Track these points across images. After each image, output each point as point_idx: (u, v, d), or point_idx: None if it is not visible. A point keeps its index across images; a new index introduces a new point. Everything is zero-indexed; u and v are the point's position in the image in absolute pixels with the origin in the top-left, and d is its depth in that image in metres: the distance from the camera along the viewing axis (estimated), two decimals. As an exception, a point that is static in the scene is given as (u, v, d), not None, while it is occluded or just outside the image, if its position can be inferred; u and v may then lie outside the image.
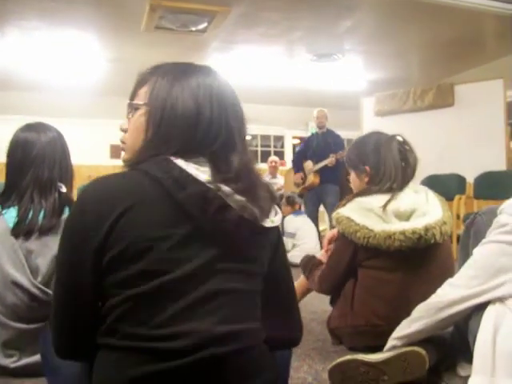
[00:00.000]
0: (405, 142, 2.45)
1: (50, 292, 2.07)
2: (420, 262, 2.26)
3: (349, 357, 1.94)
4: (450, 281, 1.80)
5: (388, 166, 2.35)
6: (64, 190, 2.19)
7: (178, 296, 1.11)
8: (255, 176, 1.27)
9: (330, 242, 2.74)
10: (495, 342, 1.55)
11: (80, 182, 8.50)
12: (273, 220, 1.21)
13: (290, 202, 6.24)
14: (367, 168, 2.44)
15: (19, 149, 2.21)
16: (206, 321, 1.10)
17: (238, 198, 1.14)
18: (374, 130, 2.57)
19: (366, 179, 2.46)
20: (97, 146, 8.84)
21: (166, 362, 1.07)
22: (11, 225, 2.10)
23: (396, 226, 2.19)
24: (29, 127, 2.28)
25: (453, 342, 1.94)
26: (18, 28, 6.18)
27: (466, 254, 1.90)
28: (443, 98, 7.37)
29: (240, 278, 1.18)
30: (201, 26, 6.23)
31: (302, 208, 6.58)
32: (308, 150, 6.84)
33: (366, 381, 1.91)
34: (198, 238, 1.12)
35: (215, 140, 1.20)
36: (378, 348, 2.01)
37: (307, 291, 2.85)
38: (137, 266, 1.10)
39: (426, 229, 2.17)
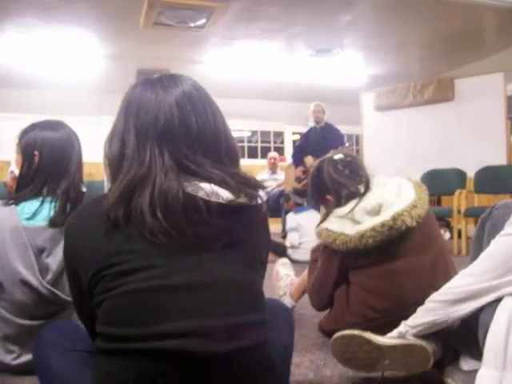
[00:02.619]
0: (346, 155, 2.61)
1: (57, 292, 2.06)
2: (402, 249, 2.29)
3: (356, 332, 1.94)
4: (465, 271, 1.79)
5: (337, 184, 2.50)
6: (85, 189, 2.21)
7: (164, 291, 1.09)
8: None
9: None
10: (509, 336, 1.54)
11: (80, 179, 8.35)
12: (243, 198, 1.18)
13: (287, 198, 6.26)
14: (328, 197, 2.56)
15: (58, 147, 2.20)
16: (196, 317, 1.08)
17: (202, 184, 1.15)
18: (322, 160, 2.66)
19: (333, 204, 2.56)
20: (95, 144, 8.69)
21: (162, 362, 1.05)
22: (24, 221, 2.08)
23: (366, 224, 2.27)
24: (57, 125, 2.27)
25: (458, 335, 1.92)
26: (16, 25, 6.16)
27: (479, 248, 1.90)
28: (443, 93, 7.35)
29: (232, 267, 1.17)
30: (199, 22, 6.21)
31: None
32: (308, 144, 6.82)
33: (366, 358, 1.92)
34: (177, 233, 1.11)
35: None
36: None
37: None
38: (115, 268, 1.10)
39: (394, 218, 2.23)
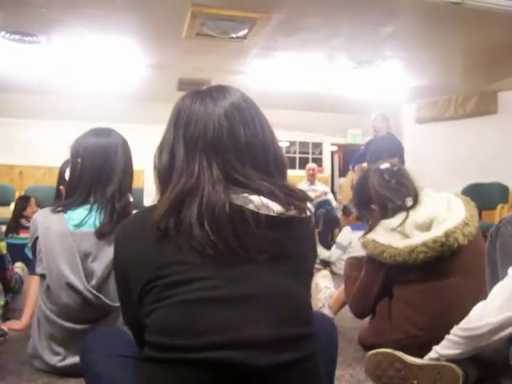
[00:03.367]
0: (393, 165, 2.61)
1: (101, 297, 2.11)
2: (452, 266, 2.26)
3: (389, 350, 1.96)
4: (483, 303, 1.75)
5: (382, 197, 2.47)
6: (132, 199, 2.24)
7: (214, 303, 1.09)
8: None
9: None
10: None
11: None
12: (292, 211, 1.18)
13: (346, 212, 6.06)
14: (373, 207, 2.54)
15: (99, 154, 2.23)
16: (246, 329, 1.08)
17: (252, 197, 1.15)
18: (371, 168, 2.73)
19: (378, 215, 2.53)
20: (137, 151, 8.71)
21: (211, 373, 1.05)
22: (71, 227, 2.15)
23: (417, 239, 2.24)
24: (103, 132, 2.31)
25: (493, 359, 1.89)
26: (60, 34, 6.28)
27: (494, 268, 1.85)
28: (486, 105, 7.26)
29: (281, 279, 1.16)
30: (241, 33, 6.23)
31: None
32: (367, 153, 6.79)
33: (396, 377, 1.94)
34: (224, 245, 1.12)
35: None
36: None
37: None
38: (166, 279, 1.11)
39: (447, 235, 2.20)
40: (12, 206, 6.48)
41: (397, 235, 2.33)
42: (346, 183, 7.17)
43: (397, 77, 8.16)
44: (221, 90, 1.29)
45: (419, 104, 7.85)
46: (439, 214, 2.30)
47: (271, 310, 1.12)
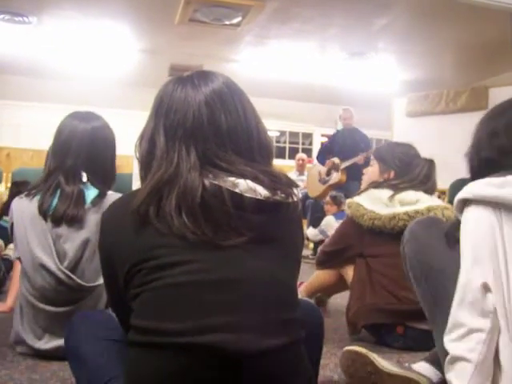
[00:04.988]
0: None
1: (74, 277, 2.11)
2: None
3: (364, 351, 1.92)
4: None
5: (412, 178, 2.66)
6: (84, 179, 2.21)
7: (201, 286, 1.09)
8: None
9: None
10: None
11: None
12: (281, 196, 1.18)
13: (337, 201, 5.93)
14: (392, 173, 2.74)
15: (55, 134, 2.26)
16: (233, 313, 1.08)
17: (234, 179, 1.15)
18: (408, 142, 3.00)
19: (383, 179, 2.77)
20: (127, 137, 8.66)
21: (198, 357, 1.05)
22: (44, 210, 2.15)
23: (400, 209, 2.48)
24: (72, 114, 2.31)
25: None
26: (53, 17, 6.24)
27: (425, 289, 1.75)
28: (477, 101, 7.24)
29: (268, 263, 1.16)
30: (235, 20, 6.21)
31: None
32: (334, 146, 6.78)
33: (367, 379, 1.90)
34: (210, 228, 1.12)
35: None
36: (390, 326, 2.40)
37: (324, 285, 3.01)
38: (152, 261, 1.11)
39: (428, 210, 2.43)
40: (1, 187, 6.44)
41: (381, 204, 2.55)
42: (314, 175, 7.06)
43: (389, 69, 8.18)
44: (203, 76, 1.27)
45: (410, 98, 7.84)
46: (423, 197, 2.54)
47: (256, 295, 1.11)
